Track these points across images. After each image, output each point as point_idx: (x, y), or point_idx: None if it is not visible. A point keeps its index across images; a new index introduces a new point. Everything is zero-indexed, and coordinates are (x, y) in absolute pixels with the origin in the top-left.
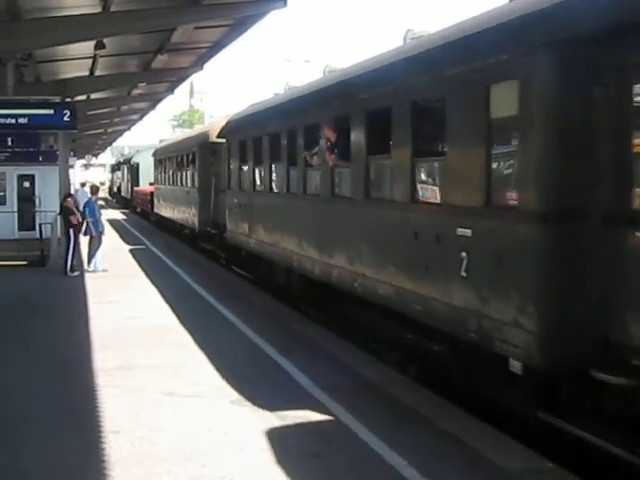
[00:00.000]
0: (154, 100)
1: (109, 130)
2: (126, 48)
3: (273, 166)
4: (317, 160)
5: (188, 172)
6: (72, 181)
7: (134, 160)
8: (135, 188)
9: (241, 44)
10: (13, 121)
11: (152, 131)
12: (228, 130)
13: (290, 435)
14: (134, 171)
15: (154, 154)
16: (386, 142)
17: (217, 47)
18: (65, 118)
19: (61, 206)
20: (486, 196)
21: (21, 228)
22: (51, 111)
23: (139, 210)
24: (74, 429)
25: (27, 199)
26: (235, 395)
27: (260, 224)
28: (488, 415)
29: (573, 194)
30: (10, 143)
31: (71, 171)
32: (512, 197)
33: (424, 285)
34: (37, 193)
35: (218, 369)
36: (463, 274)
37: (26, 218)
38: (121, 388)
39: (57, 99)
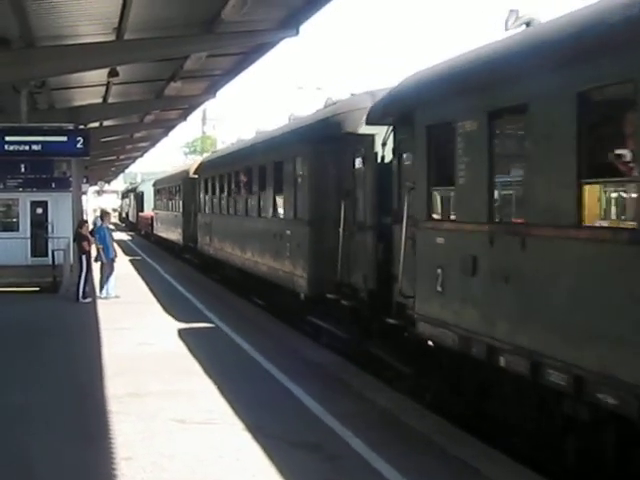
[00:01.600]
0: (167, 127)
1: (122, 157)
2: (139, 76)
3: (222, 195)
4: (241, 192)
5: (176, 200)
6: (85, 207)
7: (139, 189)
8: (140, 213)
9: (254, 71)
10: (27, 148)
11: (165, 158)
12: (199, 169)
13: (302, 462)
14: (139, 199)
15: (154, 184)
16: (263, 185)
17: (230, 75)
18: (78, 145)
19: (75, 233)
20: (294, 212)
21: (34, 254)
22: (64, 138)
23: (143, 233)
24: (87, 455)
25: (40, 225)
26: (247, 422)
27: (216, 236)
28: (500, 441)
29: (320, 212)
30: (23, 169)
31: (84, 198)
32: (298, 213)
33: (274, 262)
34: (50, 219)
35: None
36: (288, 254)
37: (39, 244)
38: (133, 415)
39: (70, 126)
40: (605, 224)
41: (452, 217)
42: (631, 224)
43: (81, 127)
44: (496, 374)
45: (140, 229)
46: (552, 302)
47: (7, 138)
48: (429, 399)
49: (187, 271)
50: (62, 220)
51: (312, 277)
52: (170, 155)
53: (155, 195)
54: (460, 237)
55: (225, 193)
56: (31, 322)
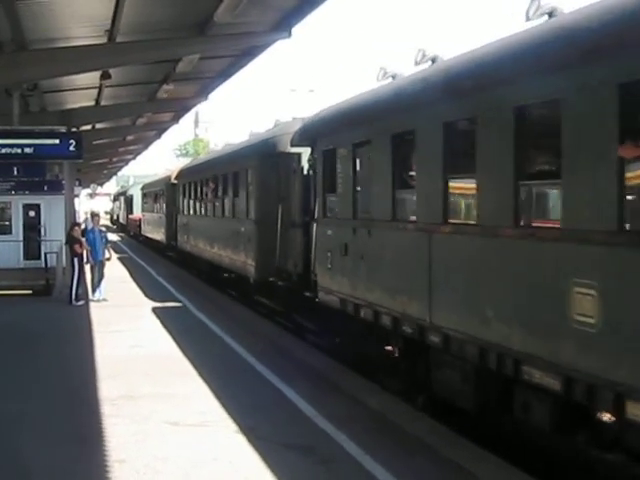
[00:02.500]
0: (159, 130)
1: (114, 159)
2: (131, 78)
3: (196, 199)
4: (209, 196)
5: (160, 203)
6: (77, 210)
7: (129, 193)
8: (129, 216)
9: (246, 74)
10: (19, 151)
11: (157, 160)
12: (179, 175)
13: (295, 464)
14: (128, 202)
15: (142, 189)
16: (225, 191)
17: (222, 77)
18: (71, 148)
19: (68, 235)
20: (246, 214)
21: (26, 257)
22: (57, 141)
23: (132, 234)
24: (80, 457)
25: (32, 228)
26: (240, 424)
27: (191, 235)
28: (493, 443)
29: (264, 213)
30: (16, 172)
31: (76, 200)
32: (249, 214)
33: (233, 254)
34: (42, 222)
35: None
36: (242, 248)
37: (31, 247)
38: (126, 417)
39: (63, 129)
40: (408, 219)
41: (335, 216)
42: (413, 217)
43: (73, 130)
44: (361, 323)
45: (130, 230)
46: (383, 271)
47: None
48: (421, 402)
49: (170, 266)
50: (55, 223)
51: (259, 265)
52: (163, 158)
53: (142, 199)
54: (340, 230)
55: (198, 197)
56: (24, 325)
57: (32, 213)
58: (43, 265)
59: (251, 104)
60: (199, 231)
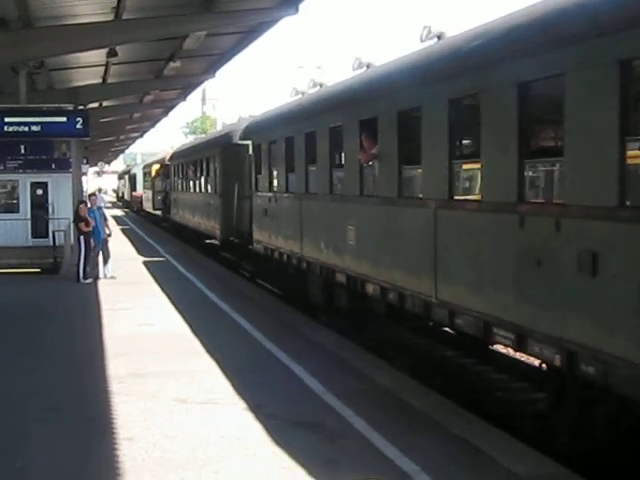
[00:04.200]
0: (166, 107)
1: (121, 137)
2: (138, 55)
3: (182, 178)
4: (191, 175)
5: (156, 181)
6: (85, 188)
7: (132, 172)
8: (133, 193)
9: (253, 50)
10: (26, 129)
11: (165, 138)
12: (171, 157)
13: (303, 441)
14: (132, 180)
15: (143, 168)
16: (201, 171)
17: (229, 54)
18: (78, 126)
19: (75, 213)
20: (214, 189)
21: (34, 235)
22: (64, 119)
23: (135, 209)
24: (88, 435)
25: (40, 206)
26: (248, 401)
27: (179, 207)
28: (500, 419)
29: (227, 189)
30: (23, 151)
31: (84, 178)
32: (216, 190)
33: (207, 222)
34: (50, 200)
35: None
36: (212, 216)
37: (39, 225)
38: (134, 395)
39: (70, 107)
40: (291, 191)
41: (261, 190)
42: (292, 190)
43: (80, 108)
44: (274, 261)
45: (133, 206)
46: (282, 226)
47: (6, 119)
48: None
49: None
50: (62, 201)
51: (222, 228)
52: (171, 135)
53: (144, 177)
54: (263, 199)
55: (183, 177)
56: (32, 303)
57: (40, 191)
58: (51, 243)
59: (258, 81)
60: (185, 204)
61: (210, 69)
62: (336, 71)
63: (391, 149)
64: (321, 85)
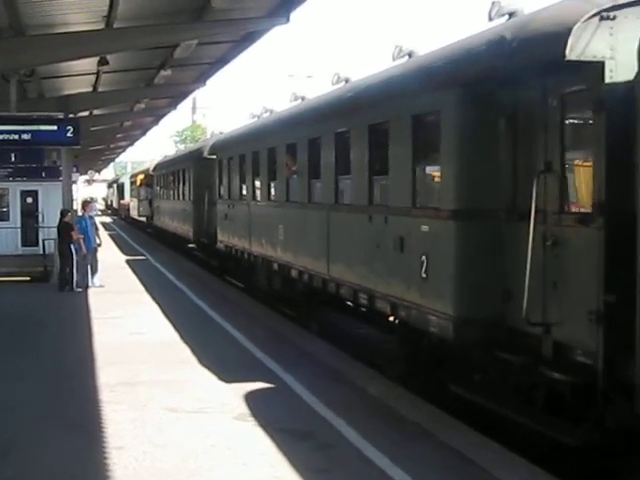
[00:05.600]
0: (157, 116)
1: (112, 146)
2: (129, 64)
3: (164, 187)
4: (170, 185)
5: (141, 190)
6: (75, 197)
7: (120, 181)
8: (121, 201)
9: (244, 59)
10: (16, 137)
11: (155, 146)
12: (154, 168)
13: (294, 450)
14: (120, 189)
15: (130, 177)
16: (178, 181)
17: (220, 63)
18: (68, 134)
19: (60, 222)
20: (189, 197)
21: (24, 244)
22: (54, 127)
23: (123, 216)
24: (78, 444)
25: (30, 215)
26: (238, 410)
27: (161, 214)
28: (492, 429)
29: (198, 196)
30: (13, 159)
31: (74, 187)
32: (191, 197)
33: (182, 225)
34: (40, 209)
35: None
36: (185, 220)
37: (29, 234)
38: (125, 404)
39: (60, 115)
40: (242, 198)
41: (222, 198)
42: (245, 198)
43: (71, 116)
44: (232, 256)
45: (121, 214)
46: (237, 227)
47: None
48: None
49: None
50: (52, 209)
51: (195, 231)
52: (161, 144)
53: (130, 186)
54: (224, 205)
55: (164, 185)
56: (22, 311)
57: (30, 200)
58: (41, 252)
59: (249, 90)
60: (165, 211)
61: (201, 78)
62: (325, 80)
63: (303, 168)
64: (271, 111)
